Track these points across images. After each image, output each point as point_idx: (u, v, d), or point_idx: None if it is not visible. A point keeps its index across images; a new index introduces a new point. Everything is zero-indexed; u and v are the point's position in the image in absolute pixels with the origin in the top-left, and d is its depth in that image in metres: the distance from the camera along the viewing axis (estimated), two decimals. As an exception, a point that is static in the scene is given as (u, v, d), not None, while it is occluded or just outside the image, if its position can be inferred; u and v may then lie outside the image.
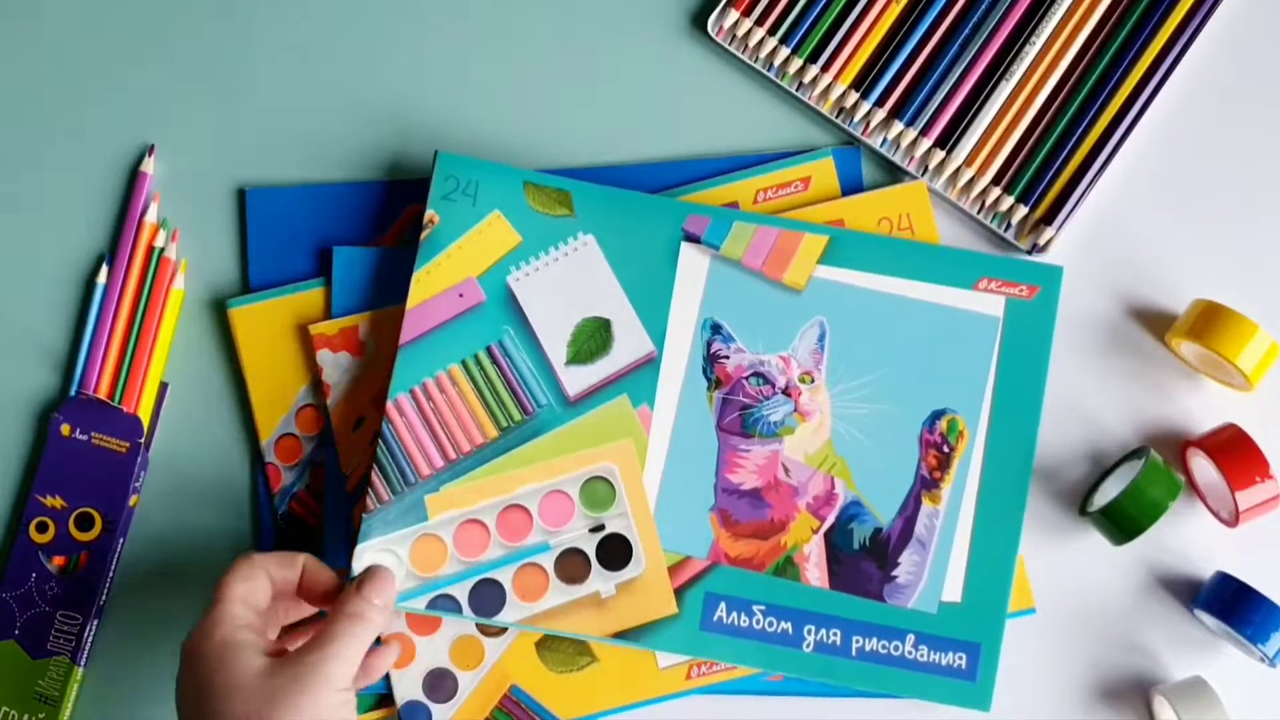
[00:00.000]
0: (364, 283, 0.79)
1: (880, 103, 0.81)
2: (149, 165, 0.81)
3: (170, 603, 0.79)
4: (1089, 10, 0.81)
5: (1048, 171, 0.81)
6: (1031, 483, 0.79)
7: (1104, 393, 0.80)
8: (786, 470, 0.77)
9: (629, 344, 0.77)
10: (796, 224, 0.78)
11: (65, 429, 0.78)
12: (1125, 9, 0.81)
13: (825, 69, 0.81)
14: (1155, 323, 0.81)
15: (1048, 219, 0.80)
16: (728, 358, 0.77)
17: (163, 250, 0.80)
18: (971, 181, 0.81)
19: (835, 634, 0.76)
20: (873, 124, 0.81)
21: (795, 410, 0.77)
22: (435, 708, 0.77)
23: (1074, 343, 0.81)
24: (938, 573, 0.76)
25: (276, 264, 0.80)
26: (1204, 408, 0.80)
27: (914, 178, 0.81)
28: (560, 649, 0.77)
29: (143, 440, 0.79)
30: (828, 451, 0.77)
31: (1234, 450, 0.76)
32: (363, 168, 0.81)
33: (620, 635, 0.75)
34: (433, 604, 0.75)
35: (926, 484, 0.77)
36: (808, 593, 0.76)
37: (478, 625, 0.77)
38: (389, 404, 0.76)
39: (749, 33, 0.82)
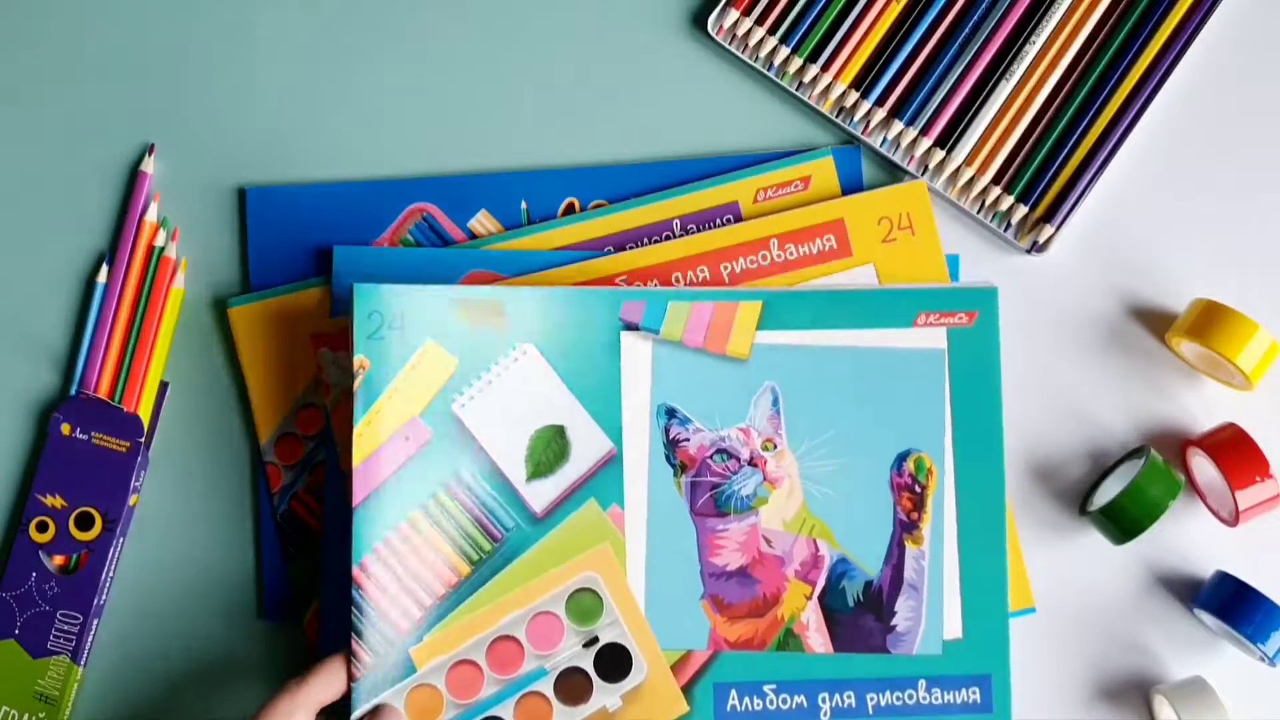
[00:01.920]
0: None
1: (880, 102, 0.81)
2: (149, 165, 0.81)
3: (170, 603, 0.79)
4: (1089, 10, 0.81)
5: (1048, 171, 0.81)
6: (1031, 489, 0.79)
7: (1104, 392, 0.80)
8: (768, 541, 0.76)
9: (587, 447, 0.75)
10: (728, 294, 0.76)
11: (65, 429, 0.78)
12: (1125, 9, 0.81)
13: (825, 68, 0.81)
14: (1155, 322, 0.81)
15: (1047, 218, 0.80)
16: (688, 440, 0.76)
17: (162, 250, 0.80)
18: (971, 181, 0.81)
19: (849, 697, 0.75)
20: (873, 123, 0.81)
21: (764, 480, 0.76)
22: None
23: (1074, 343, 0.81)
24: (935, 613, 0.76)
25: (276, 264, 0.80)
26: (1204, 407, 0.80)
27: (914, 177, 0.81)
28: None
29: (143, 440, 0.79)
30: (804, 514, 0.76)
31: (1234, 450, 0.76)
32: (363, 168, 0.81)
33: None
34: None
35: (906, 527, 0.76)
36: (814, 662, 0.75)
37: None
38: (355, 570, 0.73)
39: (749, 32, 0.82)
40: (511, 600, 0.74)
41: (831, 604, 0.76)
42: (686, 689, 0.75)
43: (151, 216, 0.81)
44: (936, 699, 0.75)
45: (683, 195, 0.80)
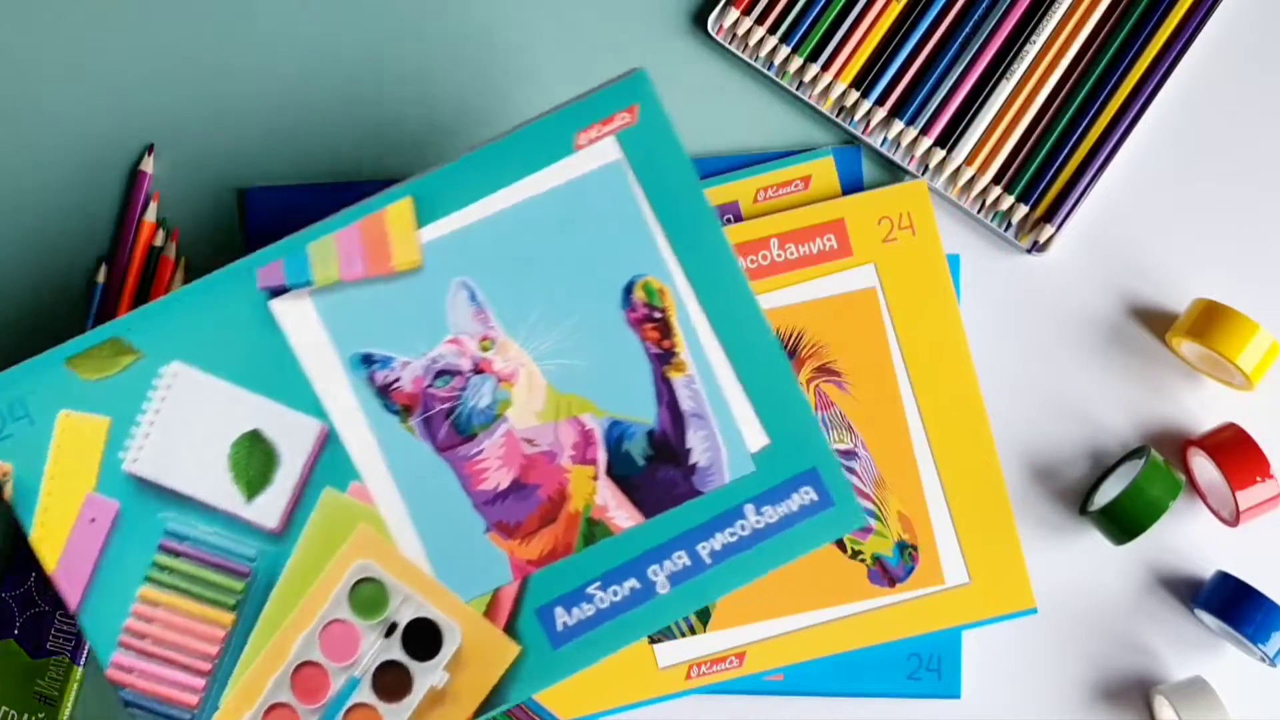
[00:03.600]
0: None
1: (880, 101, 0.81)
2: (149, 164, 0.81)
3: (170, 602, 0.79)
4: (1089, 10, 0.81)
5: (1048, 171, 0.81)
6: (1031, 489, 0.79)
7: (1104, 392, 0.80)
8: (530, 442, 0.69)
9: (293, 438, 0.68)
10: (365, 207, 0.68)
11: (65, 429, 0.78)
12: (1125, 9, 0.81)
13: (826, 68, 0.81)
14: (1155, 322, 0.81)
15: (1048, 218, 0.80)
16: (399, 379, 0.68)
17: (162, 249, 0.80)
18: (972, 180, 0.81)
19: (680, 557, 0.69)
20: (873, 123, 0.81)
21: (498, 381, 0.69)
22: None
23: (1074, 343, 0.81)
24: (730, 431, 0.69)
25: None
26: (1204, 407, 0.80)
27: (914, 177, 0.81)
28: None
29: (143, 440, 0.79)
30: (554, 397, 0.69)
31: (1234, 450, 0.76)
32: (363, 168, 0.81)
33: (481, 708, 0.68)
34: None
35: (662, 359, 0.69)
36: (628, 539, 0.69)
37: None
38: (108, 672, 0.67)
39: (749, 31, 0.82)
40: (292, 626, 0.68)
41: (621, 472, 0.69)
42: (510, 629, 0.68)
43: (151, 216, 0.81)
44: (771, 517, 0.69)
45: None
